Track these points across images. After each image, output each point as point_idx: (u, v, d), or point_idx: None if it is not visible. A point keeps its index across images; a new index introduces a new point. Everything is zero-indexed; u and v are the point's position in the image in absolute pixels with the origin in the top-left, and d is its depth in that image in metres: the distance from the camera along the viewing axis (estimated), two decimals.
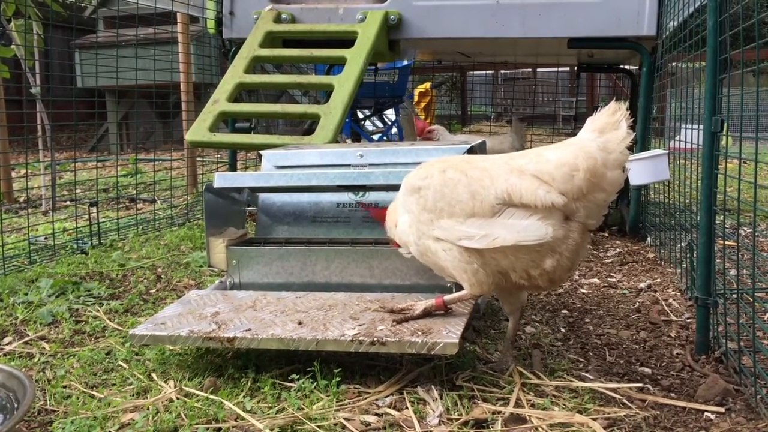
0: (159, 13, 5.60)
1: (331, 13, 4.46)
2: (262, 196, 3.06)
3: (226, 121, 4.63)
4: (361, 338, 2.12)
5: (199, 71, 7.75)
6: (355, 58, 3.92)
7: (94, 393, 2.22)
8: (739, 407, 2.07)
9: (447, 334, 2.12)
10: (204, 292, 2.73)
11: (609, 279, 3.59)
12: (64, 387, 2.27)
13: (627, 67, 5.96)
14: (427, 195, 2.19)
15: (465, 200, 2.13)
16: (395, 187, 2.42)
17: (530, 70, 13.37)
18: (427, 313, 2.28)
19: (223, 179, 2.78)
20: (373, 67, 7.17)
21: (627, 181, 3.55)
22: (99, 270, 3.76)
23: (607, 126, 2.10)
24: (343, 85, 3.77)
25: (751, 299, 2.39)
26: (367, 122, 9.28)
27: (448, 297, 2.30)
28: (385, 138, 8.57)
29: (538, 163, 2.11)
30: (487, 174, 2.14)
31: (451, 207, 2.14)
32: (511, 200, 2.08)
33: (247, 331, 2.22)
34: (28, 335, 2.80)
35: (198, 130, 3.70)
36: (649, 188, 4.50)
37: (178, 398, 2.14)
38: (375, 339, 2.11)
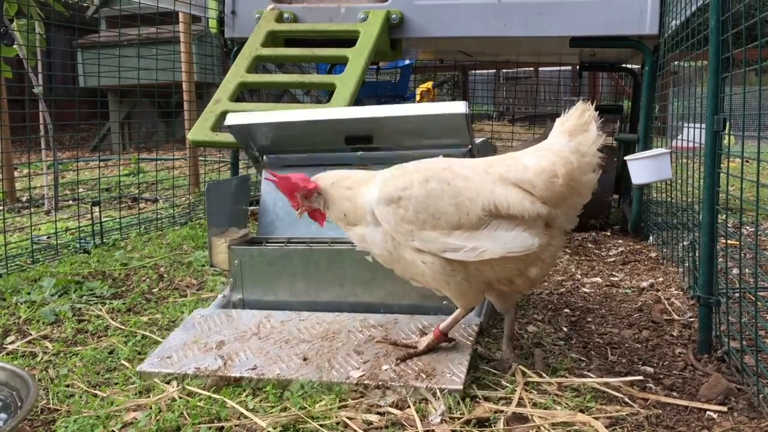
0: (161, 12, 5.61)
1: (333, 12, 4.46)
2: (264, 195, 3.06)
3: None
4: (366, 381, 2.12)
5: (201, 71, 7.75)
6: (357, 57, 3.92)
7: (96, 392, 2.22)
8: (742, 406, 2.07)
9: (451, 378, 2.11)
10: (207, 311, 2.73)
11: (611, 278, 3.59)
12: (67, 386, 2.28)
13: (629, 66, 5.96)
14: (407, 206, 2.09)
15: (450, 212, 2.06)
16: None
17: (532, 69, 13.35)
18: (430, 349, 2.28)
19: (235, 118, 2.82)
20: (375, 67, 7.18)
21: (629, 179, 3.55)
22: (101, 269, 3.76)
23: (577, 128, 2.09)
24: (345, 84, 3.77)
25: (753, 298, 2.38)
26: None
27: (443, 325, 2.29)
28: None
29: (517, 171, 2.08)
30: (471, 185, 2.08)
31: (435, 219, 2.07)
32: (498, 212, 2.05)
33: (252, 369, 2.22)
34: (31, 334, 2.81)
35: (200, 130, 3.70)
36: (651, 187, 4.50)
37: (180, 397, 2.14)
38: (380, 383, 2.11)
